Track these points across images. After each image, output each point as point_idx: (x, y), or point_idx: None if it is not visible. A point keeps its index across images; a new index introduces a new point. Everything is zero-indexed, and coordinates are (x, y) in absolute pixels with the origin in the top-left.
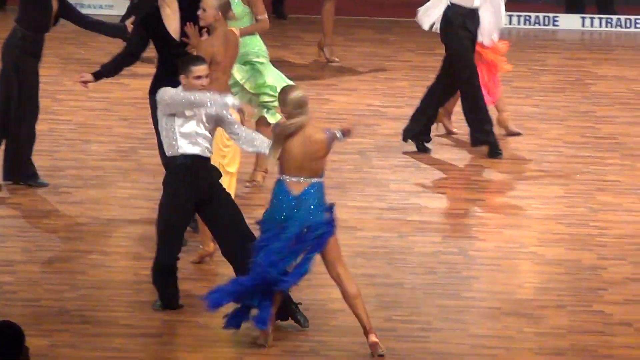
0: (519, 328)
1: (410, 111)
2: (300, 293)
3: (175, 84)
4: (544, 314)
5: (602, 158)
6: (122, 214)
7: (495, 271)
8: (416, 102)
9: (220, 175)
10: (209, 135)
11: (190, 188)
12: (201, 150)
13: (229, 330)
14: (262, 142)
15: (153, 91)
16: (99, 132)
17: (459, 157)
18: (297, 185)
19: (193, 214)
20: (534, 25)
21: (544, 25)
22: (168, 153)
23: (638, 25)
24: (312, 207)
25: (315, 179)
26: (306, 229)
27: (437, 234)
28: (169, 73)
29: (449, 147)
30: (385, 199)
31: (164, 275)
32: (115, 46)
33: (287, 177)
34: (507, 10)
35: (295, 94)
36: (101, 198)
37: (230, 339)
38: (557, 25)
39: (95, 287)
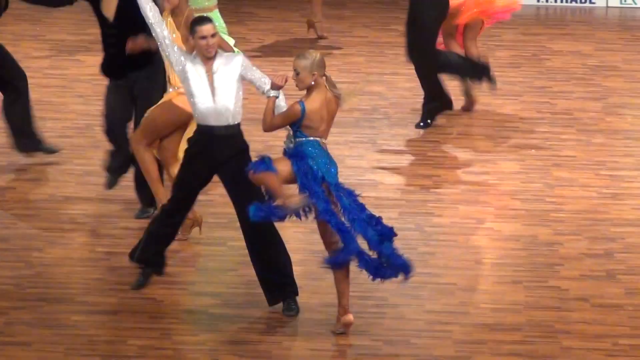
0: (475, 304)
1: (365, 87)
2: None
3: (117, 64)
4: (500, 289)
5: (558, 133)
6: (78, 191)
7: (451, 247)
8: (371, 78)
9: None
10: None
11: (204, 156)
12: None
13: (183, 307)
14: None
15: (102, 70)
16: (55, 109)
17: (415, 133)
18: (325, 145)
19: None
20: None
21: None
22: None
23: (593, 1)
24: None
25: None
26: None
27: (393, 210)
28: (107, 52)
29: (405, 123)
30: (341, 175)
31: (162, 224)
32: (70, 22)
33: (321, 138)
34: None
35: (319, 56)
36: (57, 175)
37: (186, 315)
38: None
39: (51, 264)
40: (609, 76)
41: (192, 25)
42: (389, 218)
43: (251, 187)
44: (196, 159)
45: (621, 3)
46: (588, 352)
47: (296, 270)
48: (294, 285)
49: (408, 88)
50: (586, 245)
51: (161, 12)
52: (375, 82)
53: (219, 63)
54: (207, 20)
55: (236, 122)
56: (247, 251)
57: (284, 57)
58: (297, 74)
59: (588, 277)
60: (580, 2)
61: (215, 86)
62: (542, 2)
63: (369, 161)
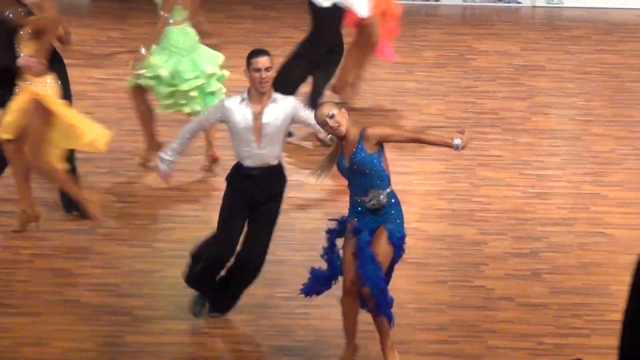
0: (400, 304)
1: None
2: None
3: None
4: (425, 289)
5: (484, 133)
6: (1, 193)
7: None
8: None
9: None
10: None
11: (243, 194)
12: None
13: (107, 309)
14: None
15: None
16: None
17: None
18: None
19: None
20: (414, 0)
21: (426, 0)
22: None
23: (519, 0)
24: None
25: None
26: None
27: (318, 210)
28: None
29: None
30: None
31: (210, 270)
32: None
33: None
34: None
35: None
36: None
37: (109, 318)
38: (438, 1)
39: None
40: (535, 76)
41: (248, 57)
42: (314, 219)
43: (271, 226)
44: (236, 197)
45: (547, 3)
46: (513, 351)
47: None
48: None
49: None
50: (511, 244)
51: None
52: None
53: (270, 106)
54: (263, 52)
55: (279, 161)
56: (171, 252)
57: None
58: (332, 116)
59: (513, 277)
60: (507, 2)
61: (262, 132)
62: (468, 2)
63: (295, 161)
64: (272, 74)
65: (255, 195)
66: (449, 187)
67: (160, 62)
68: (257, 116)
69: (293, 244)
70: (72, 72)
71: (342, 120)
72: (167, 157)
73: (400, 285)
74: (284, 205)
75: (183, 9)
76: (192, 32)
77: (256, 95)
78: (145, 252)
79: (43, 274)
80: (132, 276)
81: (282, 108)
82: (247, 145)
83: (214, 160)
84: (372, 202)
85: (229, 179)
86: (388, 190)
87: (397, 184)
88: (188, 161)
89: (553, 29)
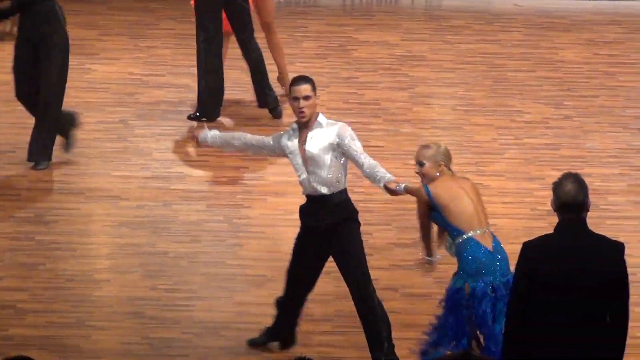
0: None
1: (172, 79)
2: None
3: None
4: None
5: (366, 124)
6: None
7: (260, 238)
8: (178, 70)
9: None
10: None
11: (309, 226)
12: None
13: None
14: (384, 175)
15: None
16: None
17: (220, 125)
18: (485, 237)
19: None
20: None
21: None
22: None
23: None
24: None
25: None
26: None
27: (201, 202)
28: None
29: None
30: (149, 167)
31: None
32: None
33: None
34: None
35: (444, 146)
36: None
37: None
38: None
39: None
40: (416, 66)
41: (290, 85)
42: (196, 210)
43: (360, 256)
44: (304, 230)
45: None
46: (398, 341)
47: None
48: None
49: None
50: (395, 235)
51: None
52: (182, 74)
53: (314, 132)
54: (304, 80)
55: (334, 191)
56: (57, 245)
57: (89, 49)
58: (422, 165)
59: (397, 267)
60: None
61: (307, 158)
62: None
63: (176, 154)
64: (313, 102)
65: (319, 224)
66: None
67: None
68: (302, 142)
69: (175, 236)
70: None
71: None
72: (210, 135)
73: (284, 276)
74: (166, 198)
75: None
76: None
77: (301, 124)
78: (29, 245)
79: None
80: (15, 269)
81: (326, 133)
82: (298, 171)
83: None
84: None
85: (300, 215)
86: None
87: (279, 174)
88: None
89: (433, 19)
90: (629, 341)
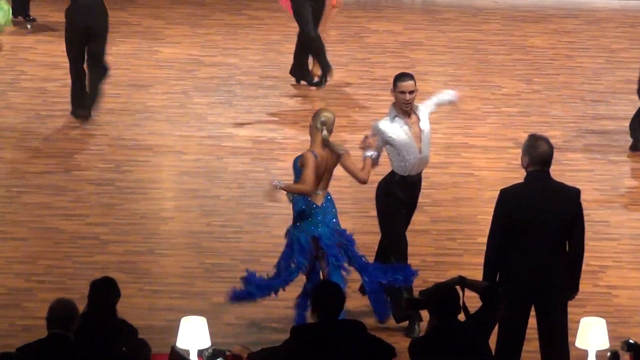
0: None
1: (223, 59)
2: None
3: None
4: None
5: (375, 95)
6: None
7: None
8: (227, 52)
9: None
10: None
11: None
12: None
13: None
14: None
15: None
16: None
17: (261, 94)
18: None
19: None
20: None
21: None
22: None
23: None
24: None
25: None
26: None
27: (246, 156)
28: None
29: (255, 88)
30: (204, 128)
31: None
32: None
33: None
34: None
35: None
36: None
37: (81, 241)
38: None
39: None
40: (415, 50)
41: (394, 80)
42: (242, 163)
43: None
44: (397, 200)
45: None
46: None
47: None
48: None
49: (256, 60)
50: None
51: None
52: (231, 55)
53: (418, 113)
54: (409, 77)
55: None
56: (132, 189)
57: (156, 35)
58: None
59: None
60: None
61: (421, 138)
62: None
63: (227, 118)
64: (415, 94)
65: (411, 200)
66: (348, 138)
67: None
68: (413, 126)
69: (226, 183)
70: None
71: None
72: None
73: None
74: (219, 153)
75: None
76: None
77: (402, 110)
78: (109, 189)
79: (29, 206)
80: (99, 209)
81: (424, 112)
82: (412, 154)
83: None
84: None
85: (389, 190)
86: None
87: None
88: (144, 118)
89: (428, 12)
90: (583, 267)
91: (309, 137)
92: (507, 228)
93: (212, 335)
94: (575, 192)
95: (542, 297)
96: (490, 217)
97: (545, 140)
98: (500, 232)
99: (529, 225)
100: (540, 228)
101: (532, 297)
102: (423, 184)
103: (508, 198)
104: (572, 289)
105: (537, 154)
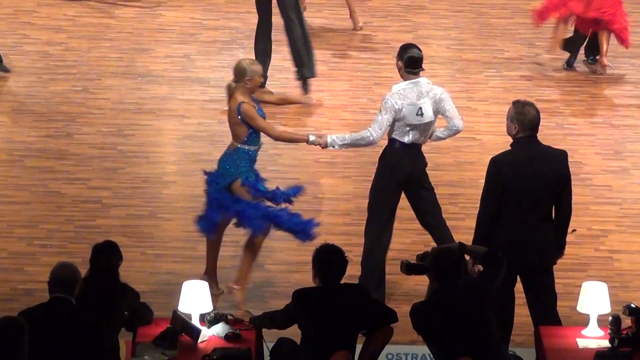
0: (315, 194)
1: (225, 23)
2: None
3: None
4: (333, 182)
5: (378, 59)
6: None
7: (294, 150)
8: (229, 16)
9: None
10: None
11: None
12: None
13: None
14: None
15: None
16: None
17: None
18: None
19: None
20: None
21: None
22: None
23: None
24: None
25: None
26: None
27: None
28: None
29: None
30: (206, 92)
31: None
32: None
33: None
34: None
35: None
36: None
37: (83, 205)
38: None
39: None
40: (418, 13)
41: (402, 49)
42: None
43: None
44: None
45: None
46: (404, 231)
47: None
48: None
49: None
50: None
51: None
52: (233, 19)
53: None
54: (417, 48)
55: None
56: (134, 153)
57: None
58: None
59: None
60: None
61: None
62: None
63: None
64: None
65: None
66: (350, 102)
67: None
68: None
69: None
70: None
71: None
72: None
73: (317, 179)
74: (222, 117)
75: None
76: None
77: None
78: (112, 153)
79: (31, 170)
80: (101, 172)
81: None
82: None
83: None
84: None
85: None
86: None
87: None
88: (146, 81)
89: None
90: (584, 232)
91: (311, 97)
92: (499, 191)
93: (214, 299)
94: (564, 155)
95: (533, 261)
96: None
97: (532, 105)
98: (494, 202)
99: (521, 191)
100: (532, 194)
101: (522, 262)
102: (425, 148)
103: (501, 166)
104: (560, 248)
105: (528, 120)
